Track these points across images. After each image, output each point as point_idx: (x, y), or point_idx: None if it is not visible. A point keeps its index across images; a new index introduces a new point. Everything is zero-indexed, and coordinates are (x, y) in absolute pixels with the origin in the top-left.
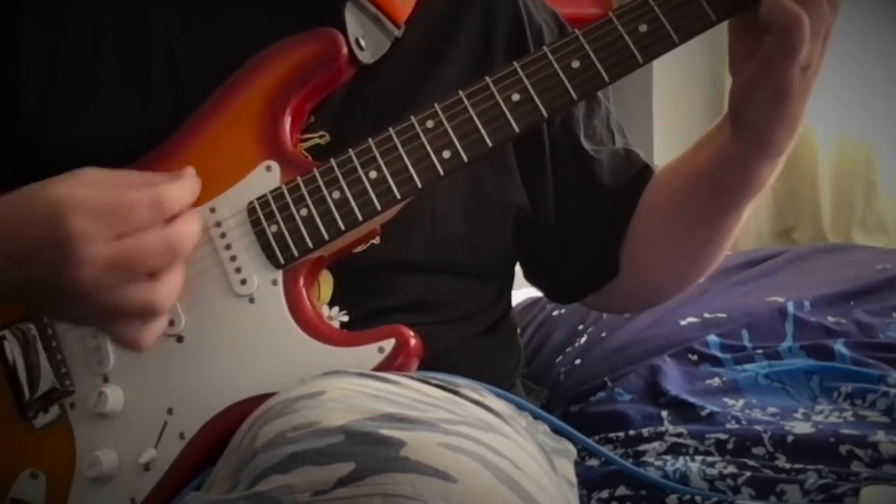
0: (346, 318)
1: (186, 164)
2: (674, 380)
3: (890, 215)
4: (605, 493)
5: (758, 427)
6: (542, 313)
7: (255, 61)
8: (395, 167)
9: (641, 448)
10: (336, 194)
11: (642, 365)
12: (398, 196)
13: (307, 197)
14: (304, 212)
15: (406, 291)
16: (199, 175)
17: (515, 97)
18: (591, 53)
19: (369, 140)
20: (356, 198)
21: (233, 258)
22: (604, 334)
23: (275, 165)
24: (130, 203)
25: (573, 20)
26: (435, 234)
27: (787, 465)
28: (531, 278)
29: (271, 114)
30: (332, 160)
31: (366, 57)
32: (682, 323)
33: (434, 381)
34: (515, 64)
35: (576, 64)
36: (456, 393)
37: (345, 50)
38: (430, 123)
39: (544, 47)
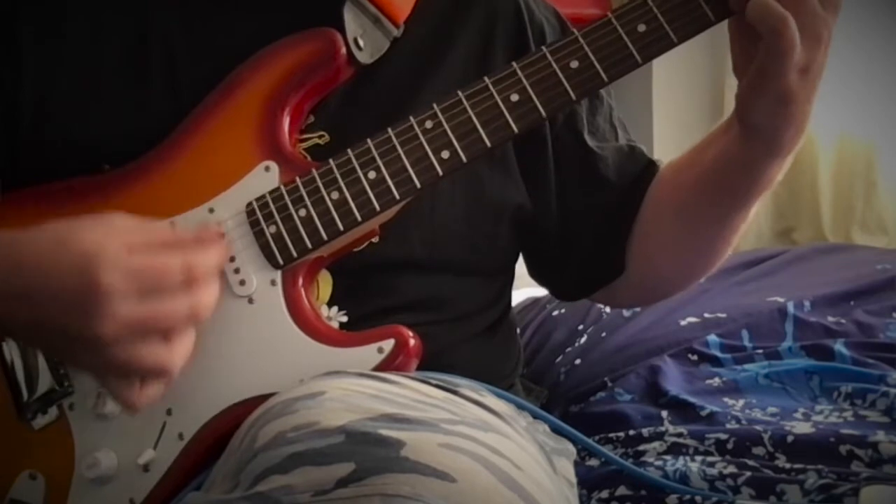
0: (345, 319)
1: (185, 165)
2: (674, 380)
3: (890, 215)
4: (605, 493)
5: (758, 427)
6: (542, 313)
7: (254, 61)
8: (393, 168)
9: (641, 448)
10: (335, 195)
11: (642, 365)
12: (397, 196)
13: (306, 198)
14: (302, 212)
15: (405, 291)
16: (197, 175)
17: (514, 97)
18: (590, 54)
19: (368, 141)
20: (355, 198)
21: (231, 259)
22: (604, 334)
23: (273, 166)
24: (163, 268)
25: (573, 20)
26: (434, 234)
27: (787, 465)
28: (536, 276)
29: (270, 114)
30: (330, 161)
31: (364, 57)
32: (682, 323)
33: (434, 381)
34: (514, 64)
35: (574, 64)
36: (455, 393)
37: (343, 50)
38: (428, 124)
39: (543, 48)
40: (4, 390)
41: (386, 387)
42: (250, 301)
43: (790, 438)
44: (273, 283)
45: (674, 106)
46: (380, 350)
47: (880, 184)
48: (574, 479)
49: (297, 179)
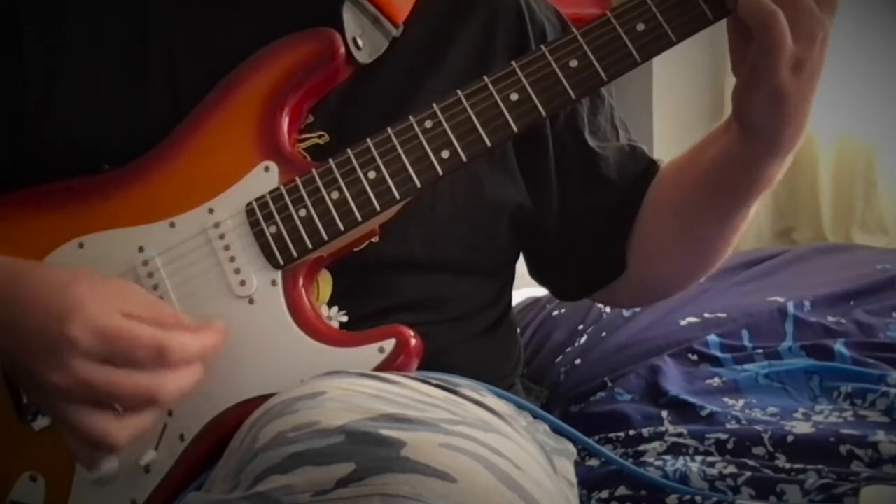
0: (345, 318)
1: (184, 165)
2: (674, 380)
3: (890, 215)
4: (605, 493)
5: (758, 427)
6: (542, 313)
7: (253, 61)
8: (393, 167)
9: (641, 448)
10: (335, 195)
11: (642, 365)
12: (397, 196)
13: (306, 197)
14: (302, 212)
15: (405, 291)
16: (197, 175)
17: (514, 97)
18: (589, 53)
19: (368, 140)
20: (355, 198)
21: (231, 259)
22: (604, 334)
23: (273, 166)
24: (134, 338)
25: (572, 20)
26: (434, 233)
27: (787, 465)
28: (536, 276)
29: (269, 114)
30: (330, 161)
31: (363, 57)
32: (682, 323)
33: (434, 381)
34: (514, 64)
35: (574, 63)
36: (456, 393)
37: (342, 50)
38: (428, 123)
39: (542, 47)
40: (4, 392)
41: (386, 387)
42: (251, 301)
43: (790, 438)
44: (273, 283)
45: (674, 106)
46: (381, 350)
47: (880, 184)
48: (574, 479)
49: (297, 179)
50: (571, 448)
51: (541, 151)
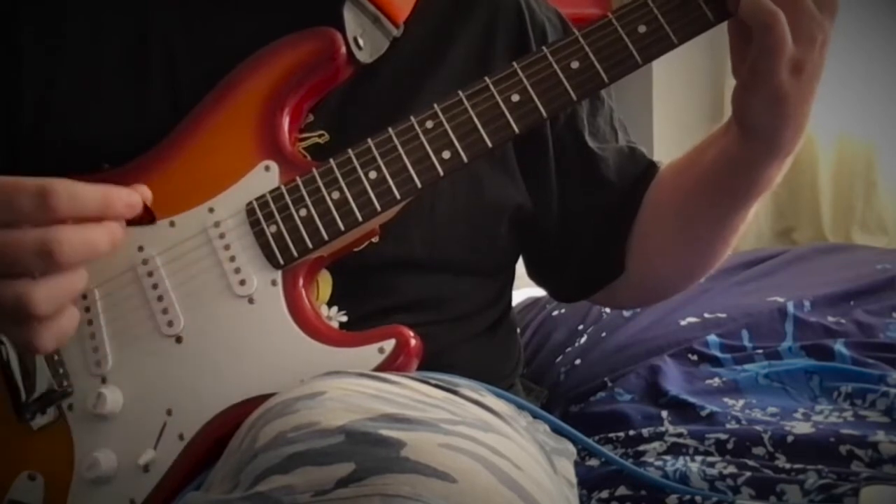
0: (345, 318)
1: (185, 164)
2: (674, 380)
3: (890, 215)
4: (605, 493)
5: (758, 427)
6: (542, 313)
7: (253, 60)
8: (394, 167)
9: (641, 448)
10: (335, 194)
11: (642, 365)
12: (398, 196)
13: (306, 197)
14: (303, 212)
15: (405, 291)
16: (197, 175)
17: (515, 98)
18: (591, 54)
19: (369, 140)
20: (356, 198)
21: (231, 259)
22: (604, 334)
23: (273, 165)
24: (16, 187)
25: (573, 20)
26: (434, 234)
27: (787, 465)
28: (535, 277)
29: (269, 113)
30: (331, 160)
31: (364, 56)
32: (682, 323)
33: (434, 381)
34: (515, 64)
35: (575, 64)
36: (455, 393)
37: (343, 49)
38: (429, 124)
39: (544, 48)
40: (3, 391)
41: (386, 387)
42: (250, 301)
43: (790, 438)
44: (273, 283)
45: (674, 106)
46: (381, 350)
47: (880, 184)
48: (574, 479)
49: (298, 179)
50: (571, 448)
51: (541, 152)
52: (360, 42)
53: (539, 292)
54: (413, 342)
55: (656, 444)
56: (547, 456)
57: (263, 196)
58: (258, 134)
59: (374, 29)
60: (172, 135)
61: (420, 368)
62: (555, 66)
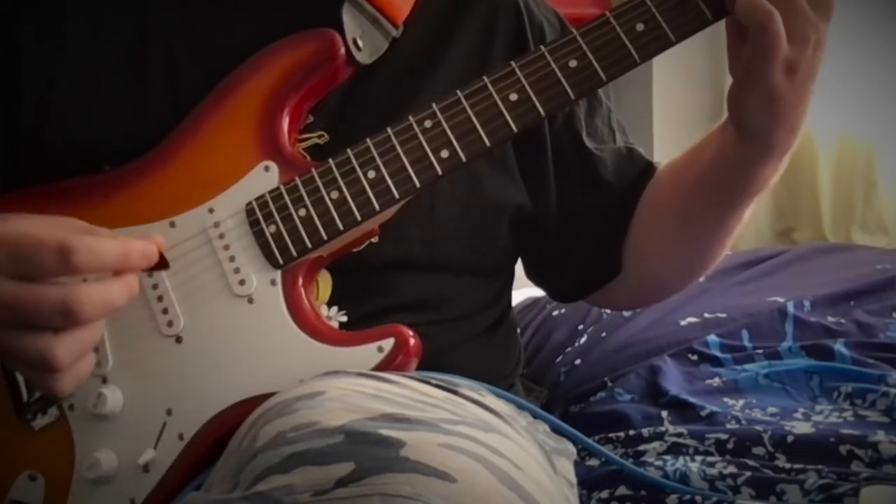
0: (344, 318)
1: (184, 165)
2: (674, 380)
3: (890, 215)
4: (605, 493)
5: (758, 427)
6: (542, 313)
7: (253, 61)
8: (393, 167)
9: (641, 448)
10: (334, 194)
11: (642, 365)
12: (397, 196)
13: (306, 197)
14: (302, 212)
15: (405, 291)
16: (197, 175)
17: (513, 97)
18: (589, 53)
19: (367, 140)
20: (355, 198)
21: (231, 259)
22: (604, 334)
23: (273, 166)
24: (38, 243)
25: (572, 20)
26: (434, 233)
27: (787, 465)
28: (533, 277)
29: (269, 114)
30: (330, 160)
31: (363, 57)
32: (682, 323)
33: (434, 381)
34: (513, 64)
35: (573, 63)
36: (455, 393)
37: (342, 50)
38: (428, 123)
39: (542, 47)
40: (4, 391)
41: (386, 386)
42: (250, 301)
43: (790, 438)
44: (273, 282)
45: (674, 106)
46: (380, 349)
47: (880, 184)
48: (574, 479)
49: (297, 179)
50: (571, 448)
51: (539, 152)
52: (360, 43)
53: (539, 292)
54: (412, 341)
55: (656, 444)
56: (547, 456)
57: (263, 196)
58: (258, 134)
59: (373, 30)
60: (172, 135)
61: (420, 368)
62: (553, 65)
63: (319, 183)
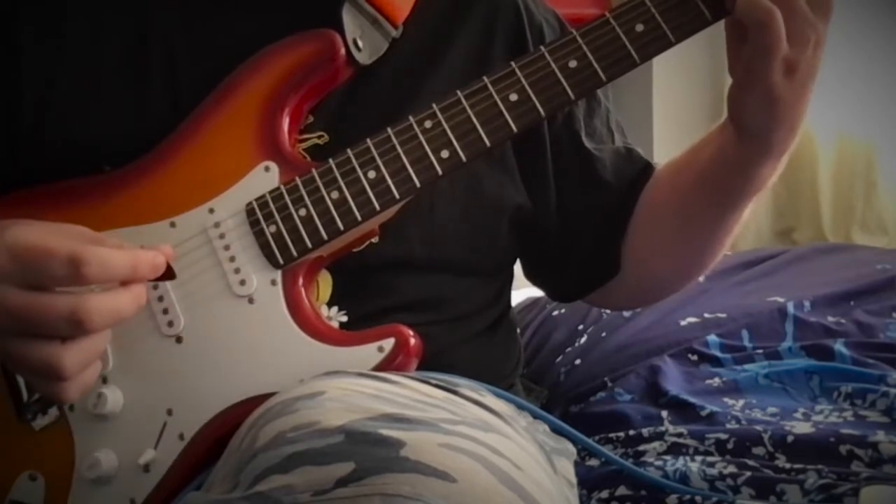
0: (345, 318)
1: (185, 165)
2: (674, 380)
3: (890, 215)
4: (605, 493)
5: (758, 427)
6: (542, 313)
7: (253, 62)
8: (393, 167)
9: (641, 448)
10: (335, 194)
11: (642, 365)
12: (397, 196)
13: (306, 197)
14: (302, 212)
15: (405, 291)
16: (197, 175)
17: (513, 97)
18: (588, 53)
19: (368, 140)
20: (355, 198)
21: (231, 259)
22: (604, 334)
23: (273, 166)
24: (48, 252)
25: (572, 20)
26: (434, 233)
27: (787, 465)
28: (532, 277)
29: (269, 114)
30: (330, 160)
31: (363, 58)
32: (682, 323)
33: (434, 381)
34: (513, 64)
35: (573, 64)
36: (455, 393)
37: (342, 51)
38: (428, 123)
39: (542, 47)
40: (4, 391)
41: (386, 386)
42: (250, 301)
43: (790, 438)
44: (273, 282)
45: (674, 106)
46: (380, 349)
47: (880, 184)
48: (574, 479)
49: (297, 179)
50: (571, 448)
51: (539, 152)
52: (360, 43)
53: (539, 292)
54: (412, 341)
55: (656, 444)
56: (547, 456)
57: (263, 196)
58: (258, 135)
59: (373, 30)
60: (173, 135)
61: (420, 368)
62: (552, 65)
63: (320, 183)
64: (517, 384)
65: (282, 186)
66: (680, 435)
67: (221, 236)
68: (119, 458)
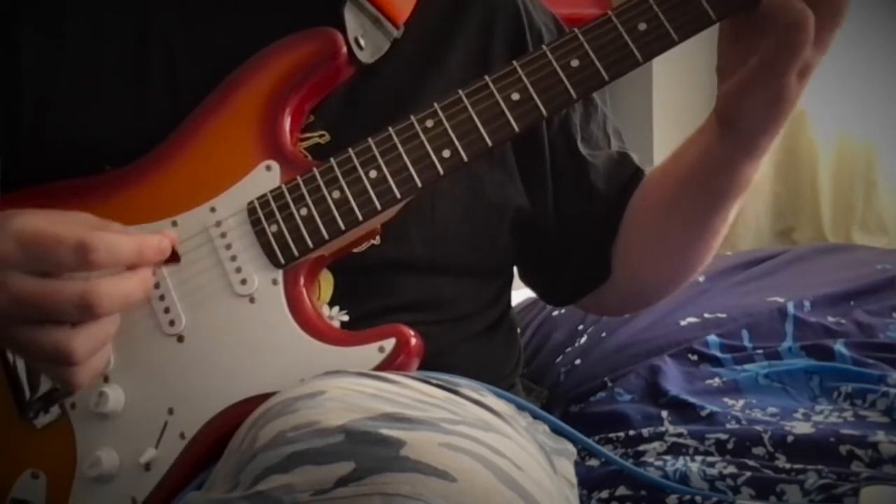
0: (346, 318)
1: (186, 164)
2: (674, 380)
3: (890, 215)
4: (605, 493)
5: (758, 427)
6: (542, 313)
7: (255, 60)
8: (394, 167)
9: (641, 448)
10: (336, 194)
11: (642, 365)
12: (398, 196)
13: (307, 196)
14: (304, 211)
15: (406, 291)
16: (198, 175)
17: (515, 96)
18: (591, 52)
19: (369, 140)
20: (356, 197)
21: (233, 258)
22: (604, 334)
23: (275, 165)
24: (56, 239)
25: (572, 20)
26: (435, 234)
27: (787, 465)
28: (526, 279)
29: (271, 113)
30: (331, 160)
31: (365, 56)
32: (682, 323)
33: (434, 381)
34: (515, 63)
35: (575, 63)
36: (456, 392)
37: (344, 49)
38: (429, 123)
39: (544, 46)
40: (6, 389)
41: (386, 386)
42: (251, 300)
43: (790, 438)
44: (274, 282)
45: (674, 106)
46: (381, 349)
47: (880, 184)
48: (574, 480)
49: (299, 178)
50: (571, 448)
51: (538, 153)
52: (361, 42)
53: None
54: (413, 341)
55: (656, 444)
56: (547, 456)
57: (264, 195)
58: (259, 134)
59: (375, 30)
60: (174, 135)
61: (420, 368)
62: (554, 64)
63: (321, 182)
64: (517, 384)
65: (283, 185)
66: (680, 435)
67: (223, 235)
68: (120, 456)
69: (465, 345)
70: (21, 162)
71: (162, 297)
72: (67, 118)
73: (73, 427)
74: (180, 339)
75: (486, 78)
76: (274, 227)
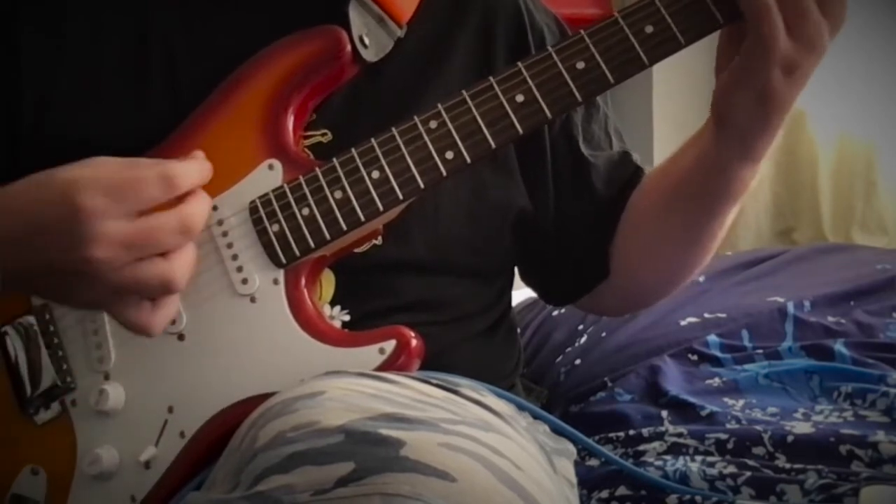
0: (347, 318)
1: None
2: (674, 380)
3: (890, 215)
4: (605, 493)
5: (758, 427)
6: (542, 313)
7: (258, 58)
8: (397, 167)
9: (641, 448)
10: (338, 194)
11: (642, 365)
12: (400, 196)
13: (309, 196)
14: (305, 211)
15: (407, 291)
16: None
17: (519, 98)
18: (597, 54)
19: (372, 140)
20: (358, 198)
21: (234, 257)
22: (604, 334)
23: (277, 164)
24: (139, 179)
25: (573, 20)
26: (437, 235)
27: (787, 465)
28: (526, 279)
29: (274, 112)
30: (334, 159)
31: (369, 55)
32: (682, 323)
33: (434, 381)
34: (520, 64)
35: (580, 65)
36: (456, 393)
37: (348, 48)
38: (433, 124)
39: (549, 48)
40: (7, 385)
41: (386, 386)
42: (252, 300)
43: (790, 438)
44: (276, 281)
45: (674, 107)
46: (381, 351)
47: (880, 184)
48: (574, 480)
49: (301, 178)
50: (571, 448)
51: (540, 154)
52: (366, 41)
53: None
54: (414, 342)
55: (656, 444)
56: (547, 456)
57: (266, 195)
58: (262, 133)
59: (379, 29)
60: (176, 133)
61: (421, 368)
62: (560, 66)
63: (323, 182)
64: (517, 384)
65: (285, 185)
66: (680, 435)
67: (224, 234)
68: (120, 454)
69: (465, 345)
70: (21, 162)
71: None
72: (67, 118)
73: (74, 424)
74: (181, 337)
75: (491, 79)
76: (276, 227)
